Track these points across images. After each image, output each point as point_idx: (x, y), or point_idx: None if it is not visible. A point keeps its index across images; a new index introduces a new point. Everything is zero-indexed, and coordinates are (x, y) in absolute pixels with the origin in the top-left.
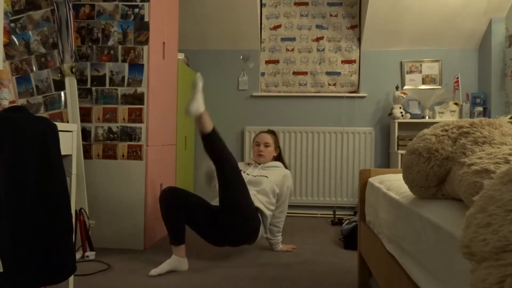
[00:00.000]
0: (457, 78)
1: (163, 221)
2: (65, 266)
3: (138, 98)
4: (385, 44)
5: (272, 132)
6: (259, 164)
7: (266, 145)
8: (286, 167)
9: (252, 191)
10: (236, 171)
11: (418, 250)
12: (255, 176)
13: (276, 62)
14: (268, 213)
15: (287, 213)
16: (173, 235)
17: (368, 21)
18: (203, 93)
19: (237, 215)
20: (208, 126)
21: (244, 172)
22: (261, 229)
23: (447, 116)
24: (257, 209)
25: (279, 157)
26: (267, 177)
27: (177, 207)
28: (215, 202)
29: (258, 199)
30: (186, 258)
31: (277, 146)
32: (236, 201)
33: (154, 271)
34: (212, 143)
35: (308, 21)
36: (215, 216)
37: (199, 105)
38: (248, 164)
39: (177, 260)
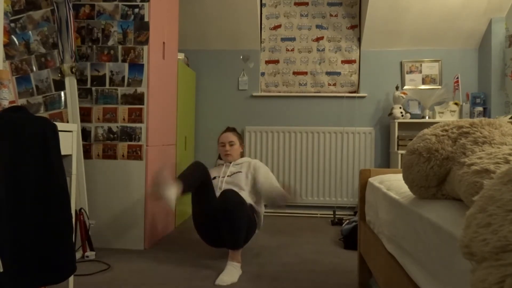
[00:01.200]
0: (457, 78)
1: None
2: (65, 266)
3: (138, 98)
4: (385, 44)
5: (233, 130)
6: (230, 162)
7: (231, 144)
8: None
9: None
10: (206, 177)
11: (418, 250)
12: (230, 176)
13: (276, 62)
14: (258, 209)
15: (288, 213)
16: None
17: (368, 21)
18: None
19: (229, 215)
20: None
21: (219, 177)
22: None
23: (447, 116)
24: (250, 206)
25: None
26: (241, 171)
27: (201, 174)
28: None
29: (245, 196)
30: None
31: (241, 143)
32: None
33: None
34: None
35: (308, 21)
36: (210, 220)
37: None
38: (219, 165)
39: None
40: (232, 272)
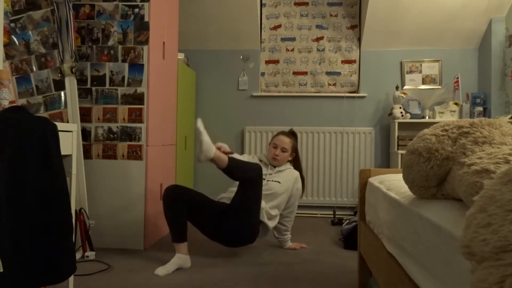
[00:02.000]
0: (457, 78)
1: (166, 219)
2: (65, 266)
3: (138, 98)
4: (385, 44)
5: (292, 135)
6: (274, 166)
7: (283, 150)
8: (300, 170)
9: (262, 203)
10: (259, 182)
11: (418, 250)
12: (267, 181)
13: (276, 62)
14: (271, 225)
15: None
16: (176, 232)
17: (368, 21)
18: (208, 134)
19: (244, 217)
20: (223, 162)
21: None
22: (261, 231)
23: (447, 116)
24: (260, 222)
25: (295, 160)
26: (279, 182)
27: (180, 203)
28: (221, 198)
29: (265, 213)
30: (189, 256)
31: (294, 151)
32: (248, 206)
33: (160, 271)
34: (231, 173)
35: (308, 21)
36: (219, 212)
37: (208, 150)
38: (261, 161)
39: (181, 258)
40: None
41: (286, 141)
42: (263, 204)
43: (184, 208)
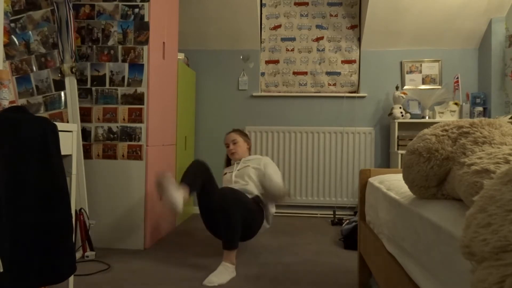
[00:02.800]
0: (457, 78)
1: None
2: (65, 266)
3: (138, 98)
4: (385, 44)
5: (236, 130)
6: (239, 160)
7: (234, 142)
8: None
9: (242, 184)
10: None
11: (418, 250)
12: (239, 170)
13: (276, 62)
14: (265, 200)
15: (288, 213)
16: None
17: (368, 21)
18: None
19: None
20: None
21: (231, 173)
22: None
23: (447, 116)
24: (257, 197)
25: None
26: (249, 165)
27: (203, 171)
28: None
29: (251, 187)
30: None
31: (246, 139)
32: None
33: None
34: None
35: (308, 21)
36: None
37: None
38: (231, 165)
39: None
40: (222, 273)
41: (232, 135)
42: (244, 183)
43: (203, 177)
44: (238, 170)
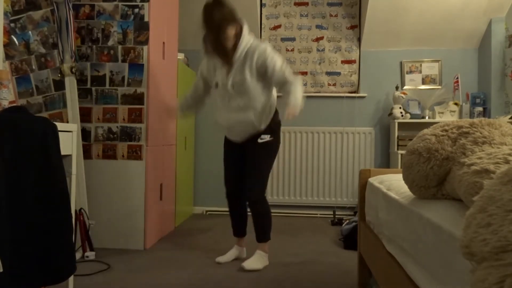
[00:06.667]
0: (457, 78)
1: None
2: (65, 266)
3: (138, 98)
4: (385, 44)
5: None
6: (231, 61)
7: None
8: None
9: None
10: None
11: (418, 250)
12: (233, 87)
13: None
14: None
15: (288, 213)
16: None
17: (368, 21)
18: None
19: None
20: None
21: (216, 83)
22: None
23: (447, 116)
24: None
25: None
26: (245, 78)
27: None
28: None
29: (256, 110)
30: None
31: (233, 21)
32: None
33: (221, 259)
34: None
35: (308, 21)
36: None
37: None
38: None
39: (239, 250)
40: (258, 259)
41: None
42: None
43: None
44: (233, 80)
